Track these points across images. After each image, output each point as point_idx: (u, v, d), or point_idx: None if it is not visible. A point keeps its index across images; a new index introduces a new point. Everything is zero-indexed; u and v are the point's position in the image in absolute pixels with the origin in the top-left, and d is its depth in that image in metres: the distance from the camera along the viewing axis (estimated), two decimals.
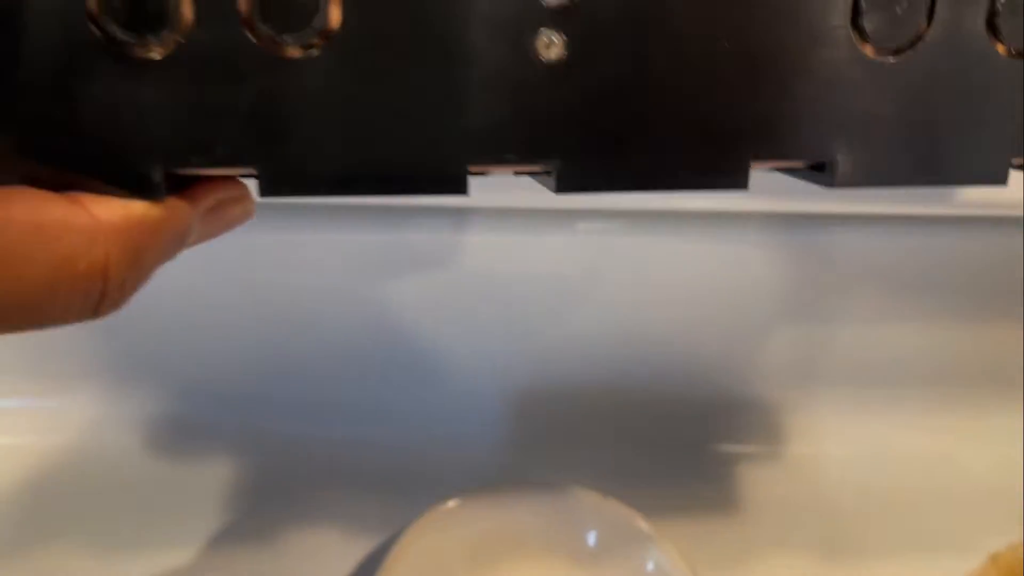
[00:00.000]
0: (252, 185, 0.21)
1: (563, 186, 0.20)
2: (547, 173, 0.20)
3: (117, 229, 0.18)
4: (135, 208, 0.18)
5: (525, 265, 0.41)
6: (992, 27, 0.21)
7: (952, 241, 0.43)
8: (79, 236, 0.17)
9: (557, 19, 0.19)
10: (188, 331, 0.41)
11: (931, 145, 0.21)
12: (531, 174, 0.22)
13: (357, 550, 0.38)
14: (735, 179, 0.21)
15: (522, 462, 0.43)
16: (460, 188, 0.20)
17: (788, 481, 0.44)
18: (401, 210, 0.40)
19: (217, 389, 0.42)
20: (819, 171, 0.21)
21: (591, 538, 0.37)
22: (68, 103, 0.18)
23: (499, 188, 0.36)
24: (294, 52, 0.18)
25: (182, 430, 0.42)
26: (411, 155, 0.19)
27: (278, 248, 0.40)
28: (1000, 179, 0.22)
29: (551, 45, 0.19)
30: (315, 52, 0.18)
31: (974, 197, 0.39)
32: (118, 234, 0.18)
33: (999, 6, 0.20)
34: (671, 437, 0.44)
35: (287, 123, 0.19)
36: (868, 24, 0.20)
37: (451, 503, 0.37)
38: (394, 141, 0.19)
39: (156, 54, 0.18)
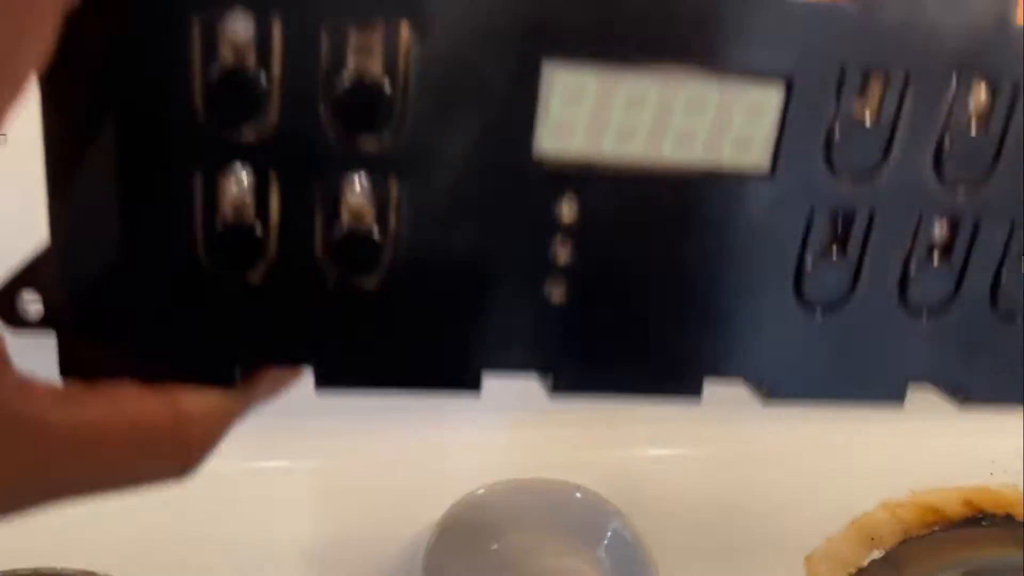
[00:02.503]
0: None
1: (557, 389, 0.25)
2: (545, 378, 0.25)
3: (198, 419, 0.23)
4: (213, 400, 0.23)
5: None
6: (903, 293, 0.26)
7: None
8: (167, 428, 0.22)
9: (564, 271, 0.24)
10: None
11: (840, 371, 0.27)
12: None
13: None
14: (693, 392, 0.26)
15: None
16: (476, 387, 0.25)
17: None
18: None
19: None
20: (758, 387, 0.27)
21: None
22: (179, 319, 0.22)
23: None
24: (360, 286, 0.23)
25: None
26: (438, 367, 0.24)
27: None
28: (898, 400, 0.27)
29: (557, 289, 0.24)
30: (370, 286, 0.23)
31: None
32: (199, 423, 0.23)
33: (911, 274, 0.26)
34: None
35: (340, 337, 0.24)
36: (808, 287, 0.25)
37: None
38: (423, 356, 0.24)
39: (251, 283, 0.22)
